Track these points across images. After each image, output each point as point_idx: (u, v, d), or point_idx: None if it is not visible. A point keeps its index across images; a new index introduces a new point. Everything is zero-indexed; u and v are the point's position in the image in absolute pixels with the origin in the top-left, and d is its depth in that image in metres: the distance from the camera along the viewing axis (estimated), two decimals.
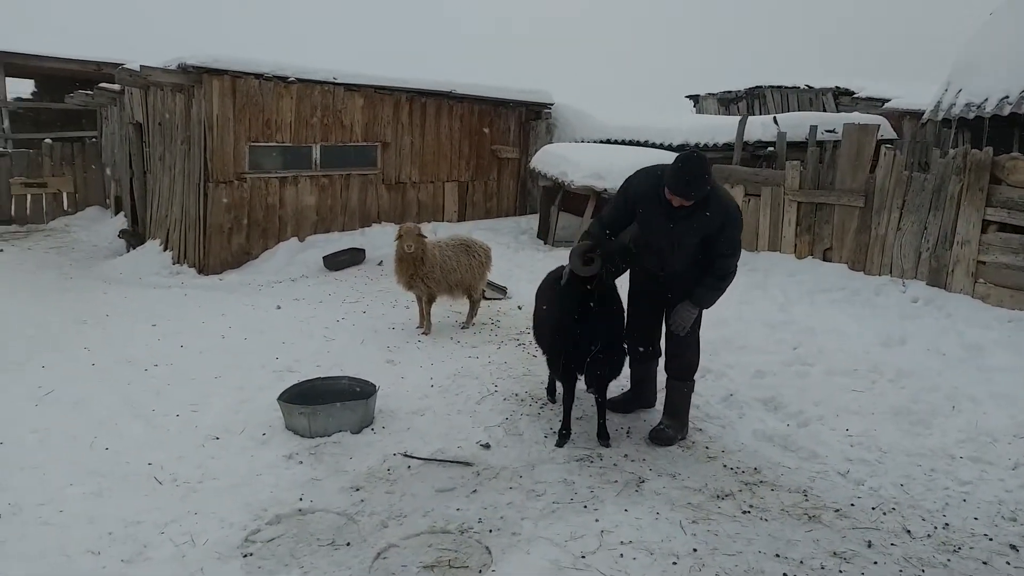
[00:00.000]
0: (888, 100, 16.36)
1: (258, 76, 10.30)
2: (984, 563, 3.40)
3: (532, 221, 12.39)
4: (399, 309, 7.98)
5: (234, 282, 9.70)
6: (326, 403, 4.78)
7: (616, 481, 4.14)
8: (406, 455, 4.47)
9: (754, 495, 3.98)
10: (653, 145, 12.20)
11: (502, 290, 8.52)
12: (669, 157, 11.04)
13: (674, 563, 3.31)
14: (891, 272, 8.58)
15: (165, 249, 11.26)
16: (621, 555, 3.37)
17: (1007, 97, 9.76)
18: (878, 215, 8.79)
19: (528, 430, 4.85)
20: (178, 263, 10.80)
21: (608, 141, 12.95)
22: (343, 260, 10.27)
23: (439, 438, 4.71)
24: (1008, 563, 3.41)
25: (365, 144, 11.65)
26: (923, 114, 11.21)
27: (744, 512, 3.79)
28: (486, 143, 13.03)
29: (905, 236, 8.54)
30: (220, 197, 10.19)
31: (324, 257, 10.27)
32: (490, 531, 3.63)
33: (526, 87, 13.34)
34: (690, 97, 21.91)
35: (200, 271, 10.28)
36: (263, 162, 10.60)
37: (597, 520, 3.68)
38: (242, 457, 4.44)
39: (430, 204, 12.51)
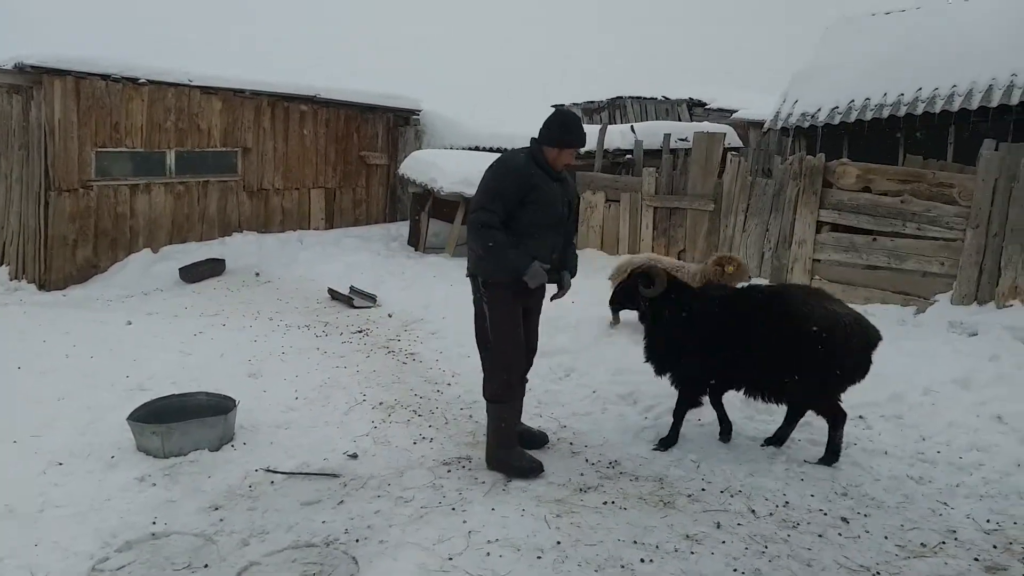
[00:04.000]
0: (736, 111, 17.47)
1: (105, 77, 9.71)
2: (819, 536, 3.70)
3: (402, 228, 12.35)
4: (262, 320, 7.73)
5: (80, 297, 9.09)
6: (182, 421, 4.58)
7: (484, 482, 4.20)
8: (269, 470, 4.35)
9: (615, 486, 4.15)
10: None
11: (371, 298, 8.44)
12: None
13: (539, 557, 3.40)
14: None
15: (0, 264, 10.37)
16: (488, 554, 3.43)
17: (837, 107, 10.67)
18: (726, 218, 9.36)
19: (397, 437, 4.83)
20: (16, 279, 9.98)
21: (477, 148, 13.11)
22: (202, 271, 9.84)
23: (304, 451, 4.61)
24: (840, 534, 3.72)
25: (224, 150, 11.23)
26: (764, 125, 12.04)
27: (605, 503, 3.94)
28: (353, 149, 12.86)
29: (750, 237, 9.14)
30: (63, 206, 9.51)
31: (180, 269, 9.80)
32: (356, 541, 3.59)
33: (394, 92, 13.28)
34: (555, 107, 22.50)
35: (41, 287, 9.56)
36: (112, 169, 9.99)
37: (465, 521, 3.72)
38: (88, 482, 4.18)
39: (295, 212, 12.20)
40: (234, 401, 4.88)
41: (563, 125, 4.20)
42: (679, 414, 4.75)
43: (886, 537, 3.71)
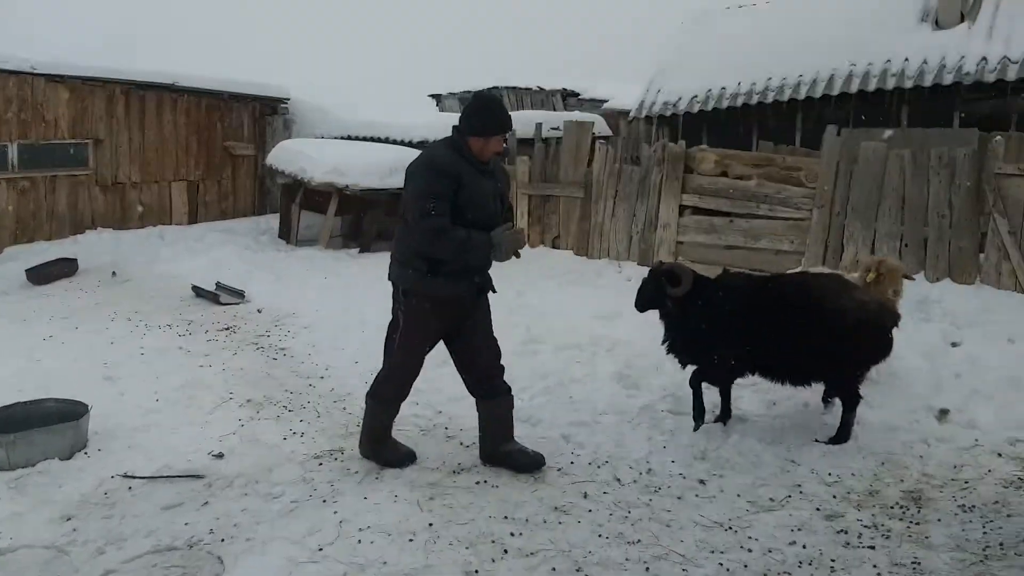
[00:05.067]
0: (607, 101, 17.98)
1: None
2: (679, 498, 3.91)
3: (272, 221, 11.97)
4: (119, 322, 7.30)
5: None
6: (27, 430, 4.28)
7: (357, 472, 4.17)
8: (126, 476, 4.14)
9: (486, 466, 4.22)
10: (394, 142, 12.33)
11: (239, 294, 8.15)
12: (410, 153, 11.28)
13: (410, 540, 3.43)
14: (609, 255, 9.47)
15: None
16: (359, 541, 3.42)
17: (696, 97, 11.19)
18: (596, 204, 9.65)
19: (266, 434, 4.71)
20: None
21: (349, 137, 12.86)
22: (52, 272, 9.17)
23: (166, 454, 4.40)
24: (697, 495, 3.96)
25: (74, 142, 10.52)
26: (630, 115, 12.46)
27: (477, 483, 4.01)
28: (217, 139, 12.34)
29: (619, 222, 9.47)
30: None
31: (27, 270, 9.08)
32: (222, 540, 3.49)
33: (259, 80, 12.82)
34: (433, 96, 22.38)
35: None
36: None
37: (336, 512, 3.69)
38: None
39: (155, 206, 11.59)
40: (86, 406, 4.59)
41: (486, 111, 3.92)
42: (696, 385, 4.79)
43: (739, 495, 3.97)
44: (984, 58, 9.07)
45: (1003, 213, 7.13)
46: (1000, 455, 4.50)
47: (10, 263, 9.38)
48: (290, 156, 10.70)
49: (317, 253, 10.14)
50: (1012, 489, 4.08)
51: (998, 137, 7.35)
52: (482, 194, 3.92)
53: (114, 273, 9.32)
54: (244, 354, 6.32)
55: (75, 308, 7.91)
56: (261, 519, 3.66)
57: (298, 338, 6.77)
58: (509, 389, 4.28)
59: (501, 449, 4.21)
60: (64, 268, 9.30)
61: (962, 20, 9.83)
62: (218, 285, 8.31)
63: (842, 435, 4.63)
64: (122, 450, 4.45)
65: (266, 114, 13.12)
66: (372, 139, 12.69)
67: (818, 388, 5.00)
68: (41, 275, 9.04)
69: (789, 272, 5.84)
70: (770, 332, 4.56)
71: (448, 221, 3.78)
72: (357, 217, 10.93)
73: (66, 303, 8.14)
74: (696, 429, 4.73)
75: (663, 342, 4.92)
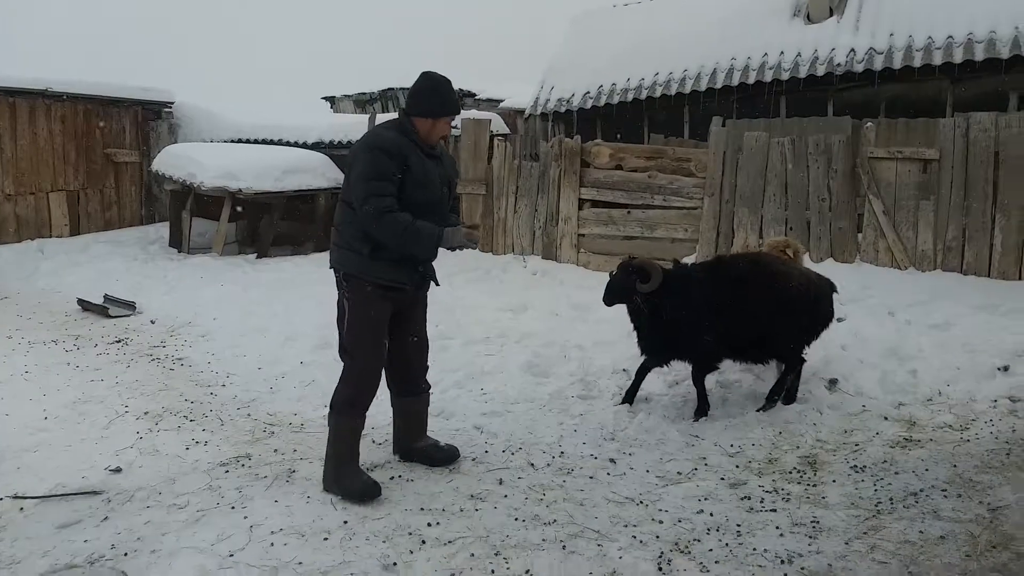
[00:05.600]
0: (504, 100, 18.11)
1: None
2: (591, 477, 4.01)
3: (162, 230, 11.46)
4: None
5: None
6: None
7: (266, 476, 4.06)
8: (17, 497, 3.88)
9: (402, 462, 4.19)
10: (289, 143, 12.03)
11: (130, 306, 7.77)
12: (305, 155, 11.04)
13: (325, 539, 3.37)
14: (514, 250, 9.57)
15: None
16: (272, 544, 3.33)
17: (588, 93, 11.43)
18: (498, 200, 9.73)
19: (167, 445, 4.52)
20: None
21: (241, 141, 12.46)
22: None
23: (59, 472, 4.15)
24: (608, 474, 4.06)
25: None
26: (525, 112, 12.61)
27: (392, 479, 3.98)
28: (98, 146, 11.71)
29: (521, 218, 9.58)
30: None
31: None
32: (125, 555, 3.33)
33: (141, 84, 12.24)
34: (326, 99, 21.94)
35: None
36: None
37: (246, 517, 3.58)
38: None
39: (33, 219, 10.90)
40: None
41: (434, 91, 3.77)
42: (700, 381, 4.92)
43: (648, 471, 4.10)
44: (852, 50, 9.66)
45: (877, 194, 7.63)
46: (886, 418, 4.83)
47: None
48: (178, 161, 10.27)
49: (211, 260, 9.78)
50: (898, 449, 4.38)
51: (869, 124, 7.85)
52: (428, 177, 3.77)
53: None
54: (138, 366, 6.04)
55: None
56: (166, 530, 3.51)
57: (196, 347, 6.53)
58: (429, 387, 4.26)
59: (417, 445, 4.17)
60: None
61: (831, 14, 10.45)
62: (106, 297, 7.90)
63: (780, 393, 5.03)
64: (10, 472, 4.17)
65: (150, 119, 12.54)
66: (266, 142, 12.34)
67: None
68: None
69: (730, 255, 6.05)
70: (739, 313, 4.78)
71: (393, 202, 3.61)
72: (253, 222, 10.62)
73: None
74: (696, 420, 4.84)
75: (639, 342, 4.99)
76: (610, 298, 4.91)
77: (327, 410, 3.90)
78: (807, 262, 7.51)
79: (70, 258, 9.93)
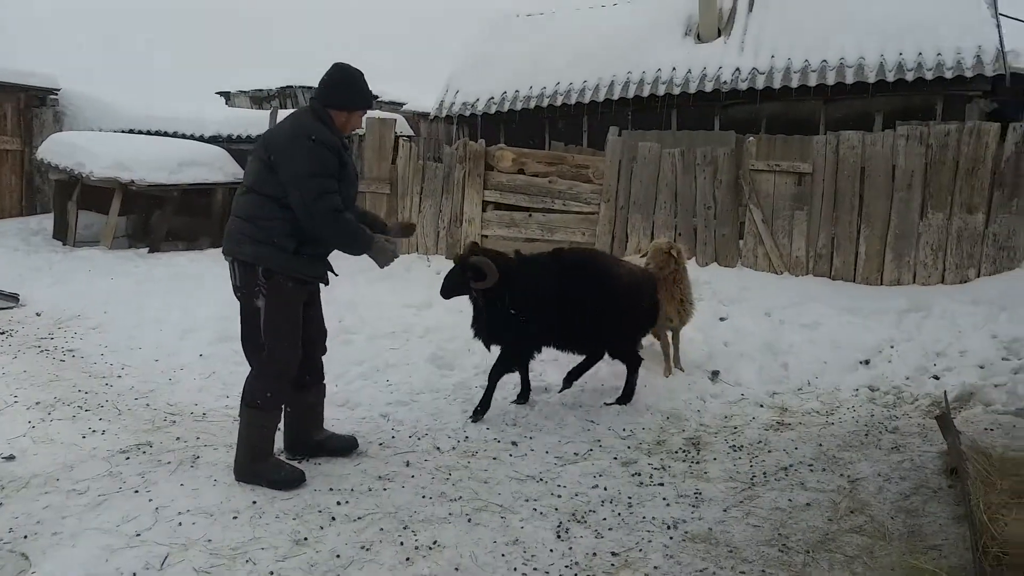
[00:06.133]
0: (405, 103, 18.16)
1: None
2: (494, 458, 4.22)
3: (45, 221, 10.91)
4: None
5: None
6: None
7: (170, 462, 4.04)
8: None
9: (292, 457, 4.23)
10: (183, 136, 11.70)
11: (12, 297, 7.41)
12: (202, 148, 10.78)
13: (235, 518, 3.42)
14: (418, 250, 9.69)
15: None
16: (180, 523, 3.35)
17: (492, 98, 11.71)
18: (402, 200, 9.84)
19: (62, 434, 4.41)
20: None
21: (133, 132, 12.01)
22: None
23: None
24: (511, 455, 4.29)
25: None
26: (430, 114, 12.76)
27: (299, 461, 4.05)
28: None
29: (426, 218, 9.72)
30: None
31: None
32: (25, 537, 3.27)
33: (21, 69, 11.61)
34: (221, 94, 21.30)
35: None
36: None
37: (151, 500, 3.58)
38: None
39: None
40: None
41: (351, 83, 3.78)
42: (498, 376, 4.92)
43: (547, 452, 4.35)
44: (738, 69, 10.35)
45: (757, 204, 8.23)
46: (762, 405, 5.28)
47: None
48: (65, 149, 9.83)
49: (100, 254, 9.41)
50: (771, 431, 4.81)
51: (751, 138, 8.46)
52: (351, 170, 3.83)
53: None
54: (25, 357, 5.81)
55: None
56: (67, 514, 3.47)
57: (87, 339, 6.32)
58: (324, 377, 4.23)
59: (315, 438, 4.15)
60: None
61: (719, 35, 11.14)
62: None
63: (627, 394, 5.19)
64: None
65: (33, 105, 11.90)
66: (159, 133, 11.95)
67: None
68: None
69: (564, 247, 5.93)
70: (569, 303, 4.91)
71: (340, 201, 3.65)
72: (145, 215, 10.28)
73: None
74: (475, 421, 4.78)
75: (472, 326, 5.00)
76: (447, 292, 4.89)
77: (235, 402, 3.84)
78: (692, 266, 8.03)
79: None
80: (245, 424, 3.77)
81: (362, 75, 3.88)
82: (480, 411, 4.82)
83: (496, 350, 5.00)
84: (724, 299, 7.58)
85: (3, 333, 6.44)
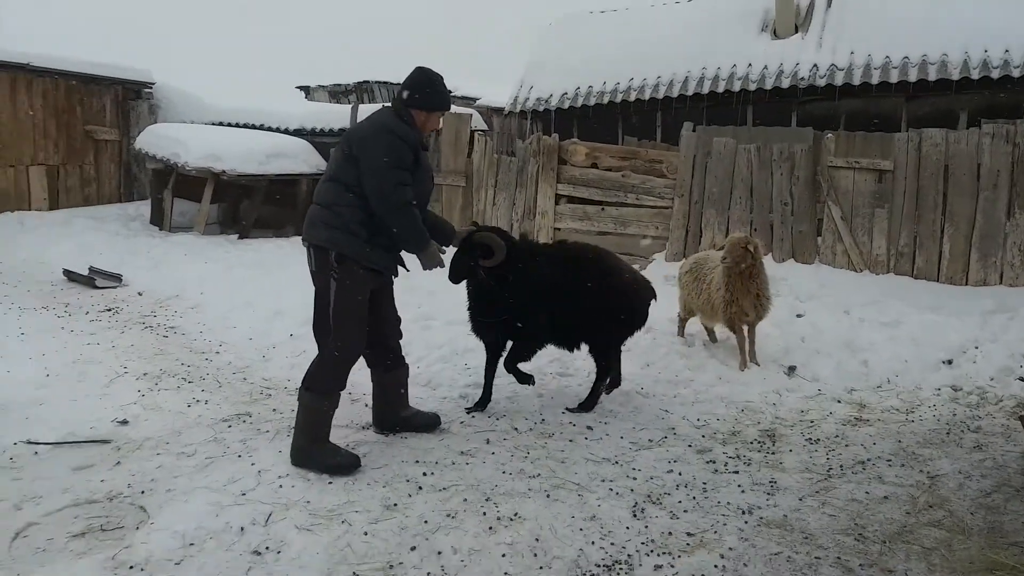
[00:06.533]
0: (479, 98, 18.42)
1: None
2: (570, 440, 4.36)
3: (142, 208, 11.55)
4: None
5: None
6: None
7: (268, 432, 4.33)
8: (30, 442, 4.10)
9: (379, 432, 4.44)
10: (269, 128, 12.20)
11: (116, 278, 7.93)
12: (288, 140, 11.22)
13: (330, 483, 3.67)
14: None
15: None
16: (280, 486, 3.62)
17: (566, 93, 11.81)
18: (477, 193, 10.05)
19: (169, 403, 4.77)
20: None
21: (221, 124, 12.59)
22: None
23: (67, 423, 4.38)
24: (586, 438, 4.42)
25: None
26: (505, 110, 12.94)
27: (385, 435, 4.28)
28: (78, 123, 11.75)
29: (499, 210, 9.90)
30: None
31: None
32: (142, 492, 3.59)
33: (120, 63, 12.29)
34: (301, 88, 22.02)
35: None
36: None
37: (253, 464, 3.86)
38: None
39: (12, 192, 10.91)
40: None
41: (432, 85, 3.96)
42: (514, 365, 4.76)
43: (622, 437, 4.47)
44: (815, 65, 10.19)
45: (835, 201, 8.13)
46: (839, 401, 5.27)
47: None
48: (161, 141, 10.40)
49: (194, 239, 9.94)
50: (849, 426, 4.81)
51: (829, 135, 8.36)
52: (428, 171, 4.02)
53: None
54: (132, 333, 6.24)
55: None
56: (179, 473, 3.78)
57: (186, 318, 6.74)
58: (404, 359, 4.41)
59: (401, 414, 4.37)
60: None
61: (796, 31, 10.98)
62: (91, 269, 8.04)
63: (588, 403, 4.89)
64: (19, 421, 4.38)
65: (130, 98, 12.60)
66: (246, 126, 12.49)
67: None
68: None
69: (572, 242, 5.50)
70: (572, 295, 4.68)
71: (412, 195, 3.82)
72: (234, 203, 10.78)
73: None
74: (472, 413, 4.71)
75: (470, 315, 4.79)
76: (456, 276, 4.56)
77: (304, 392, 3.89)
78: (769, 262, 7.99)
79: (51, 231, 10.00)
80: (304, 407, 3.87)
81: (442, 79, 4.07)
82: (483, 404, 4.80)
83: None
84: (801, 295, 7.53)
85: (110, 310, 6.92)
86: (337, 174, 3.93)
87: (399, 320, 4.37)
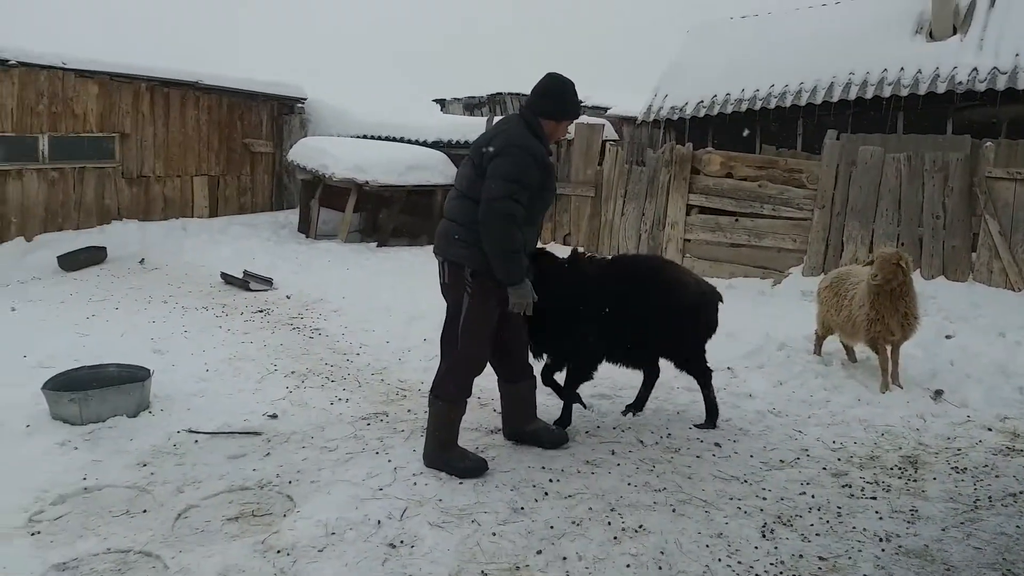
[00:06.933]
0: (610, 108, 18.42)
1: None
2: (697, 457, 4.31)
3: (291, 216, 12.35)
4: (156, 304, 7.68)
5: None
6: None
7: (403, 431, 4.55)
8: (191, 431, 4.51)
9: (508, 442, 4.54)
10: (409, 141, 12.74)
11: (268, 281, 8.53)
12: (426, 152, 11.67)
13: (460, 483, 3.82)
14: (619, 251, 9.87)
15: None
16: (415, 483, 3.80)
17: (702, 102, 11.62)
18: (606, 203, 10.07)
19: (314, 399, 5.09)
20: None
21: (364, 137, 13.26)
22: (81, 259, 9.54)
23: (223, 415, 4.77)
24: (714, 455, 4.35)
25: (101, 135, 10.89)
26: (637, 119, 12.89)
27: (513, 441, 4.39)
28: (237, 136, 12.73)
29: (628, 220, 9.88)
30: None
31: (59, 257, 9.46)
32: (289, 482, 3.86)
33: (277, 80, 13.22)
34: (437, 101, 22.83)
35: None
36: None
37: (390, 461, 4.07)
38: (5, 450, 4.20)
39: (178, 199, 11.96)
40: (147, 370, 4.97)
41: (564, 93, 3.94)
42: (573, 388, 4.66)
43: (752, 456, 4.36)
44: (975, 69, 9.52)
45: (993, 215, 7.57)
46: (990, 429, 4.91)
47: (41, 251, 9.73)
48: (311, 153, 11.10)
49: (336, 246, 10.54)
50: (1000, 456, 4.48)
51: (989, 143, 7.79)
52: (551, 187, 3.98)
53: (142, 261, 9.69)
54: (281, 333, 6.70)
55: (110, 292, 8.29)
56: (322, 466, 4.04)
57: (330, 321, 7.16)
58: (533, 371, 4.42)
59: (528, 428, 4.38)
60: (94, 255, 9.67)
61: (954, 33, 10.30)
62: (246, 273, 8.69)
63: (711, 416, 4.77)
64: (182, 411, 4.82)
65: (284, 113, 13.51)
66: (386, 138, 13.10)
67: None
68: (72, 262, 9.41)
69: (624, 254, 5.18)
70: (626, 310, 4.46)
71: (522, 215, 3.75)
72: (374, 213, 11.33)
73: (101, 288, 8.51)
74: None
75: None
76: None
77: (433, 399, 4.00)
78: (917, 278, 7.54)
79: (210, 237, 10.90)
80: (433, 415, 4.00)
81: (573, 85, 4.00)
82: (564, 421, 4.62)
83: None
84: (951, 315, 7.06)
85: (262, 312, 7.46)
86: (466, 189, 3.94)
87: (524, 331, 4.29)
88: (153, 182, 11.61)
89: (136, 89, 11.20)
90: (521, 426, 4.39)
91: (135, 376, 4.94)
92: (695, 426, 4.78)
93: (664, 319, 4.56)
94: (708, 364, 4.84)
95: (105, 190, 10.98)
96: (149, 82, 11.34)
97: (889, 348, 5.59)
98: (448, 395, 3.98)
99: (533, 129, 3.90)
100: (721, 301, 4.88)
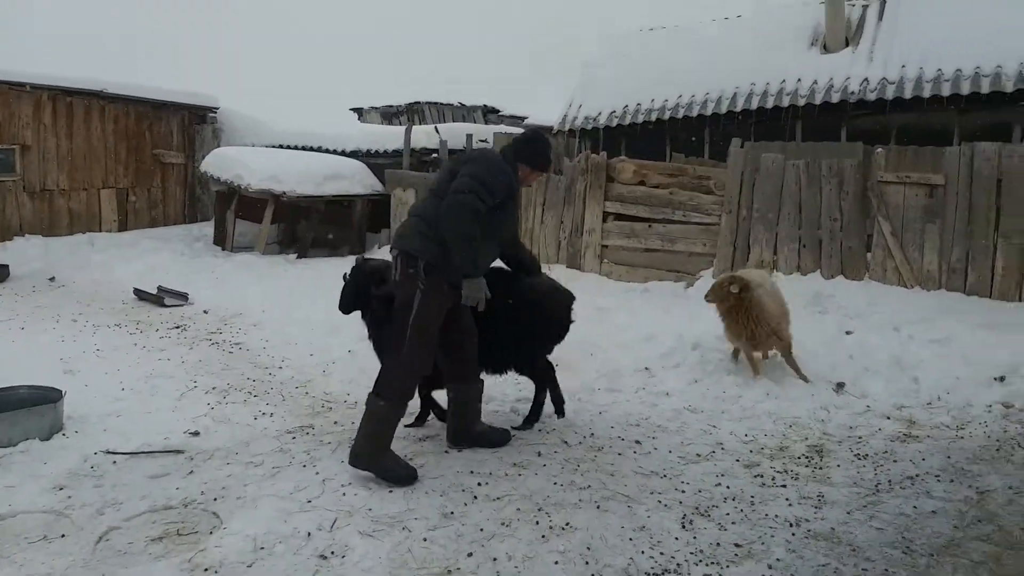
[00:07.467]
0: (527, 117, 18.69)
1: None
2: (619, 454, 4.48)
3: (205, 228, 12.05)
4: (65, 323, 7.40)
5: None
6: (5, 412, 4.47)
7: (330, 443, 4.55)
8: (109, 452, 4.39)
9: (453, 447, 4.63)
10: (326, 151, 12.62)
11: (183, 296, 8.33)
12: (344, 162, 11.60)
13: (390, 492, 3.85)
14: (540, 260, 10.03)
15: None
16: (344, 494, 3.82)
17: (615, 112, 11.95)
18: (526, 211, 10.24)
19: (236, 415, 5.03)
20: None
21: (280, 146, 13.07)
22: None
23: (142, 434, 4.66)
24: (635, 452, 4.53)
25: (0, 147, 10.36)
26: (553, 129, 13.13)
27: (444, 451, 4.47)
28: (147, 147, 12.35)
29: (547, 228, 10.09)
30: None
31: None
32: (215, 499, 3.83)
33: (187, 89, 12.89)
34: (354, 110, 22.65)
35: None
36: None
37: (318, 473, 4.08)
38: None
39: (84, 213, 11.51)
40: (59, 392, 4.81)
41: (540, 145, 4.32)
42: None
43: (670, 451, 4.57)
44: (866, 79, 10.14)
45: (886, 217, 8.09)
46: (888, 418, 5.27)
47: None
48: (226, 163, 10.87)
49: (254, 259, 10.34)
50: (898, 442, 4.82)
51: (879, 149, 8.33)
52: (514, 212, 4.32)
53: (53, 279, 9.30)
54: (200, 349, 6.57)
55: (15, 311, 7.92)
56: (248, 482, 4.01)
57: (250, 335, 7.05)
58: (479, 374, 4.56)
59: (476, 429, 4.51)
60: None
61: (847, 45, 10.94)
62: (160, 288, 8.46)
63: (533, 416, 4.88)
64: (98, 432, 4.69)
65: (195, 123, 13.18)
66: (304, 148, 12.94)
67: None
68: None
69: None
70: (490, 318, 4.39)
71: (484, 212, 3.93)
72: (292, 224, 11.18)
73: (4, 307, 8.13)
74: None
75: (375, 346, 4.68)
76: (347, 306, 4.59)
77: (373, 398, 4.03)
78: (817, 278, 8.00)
79: (120, 252, 10.53)
80: (370, 413, 4.00)
81: (549, 142, 4.50)
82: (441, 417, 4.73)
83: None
84: (849, 312, 7.51)
85: (179, 327, 7.29)
86: (439, 191, 4.11)
87: (475, 334, 4.39)
88: (57, 196, 11.14)
89: (37, 99, 10.73)
90: (471, 427, 4.50)
91: (47, 397, 4.78)
92: (514, 428, 4.78)
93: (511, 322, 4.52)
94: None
95: (6, 205, 10.47)
96: (51, 91, 10.88)
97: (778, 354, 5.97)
98: (391, 395, 4.01)
99: (510, 163, 4.23)
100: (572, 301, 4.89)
